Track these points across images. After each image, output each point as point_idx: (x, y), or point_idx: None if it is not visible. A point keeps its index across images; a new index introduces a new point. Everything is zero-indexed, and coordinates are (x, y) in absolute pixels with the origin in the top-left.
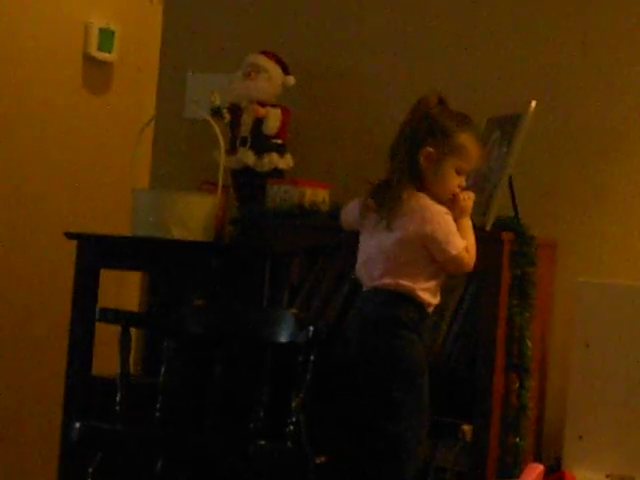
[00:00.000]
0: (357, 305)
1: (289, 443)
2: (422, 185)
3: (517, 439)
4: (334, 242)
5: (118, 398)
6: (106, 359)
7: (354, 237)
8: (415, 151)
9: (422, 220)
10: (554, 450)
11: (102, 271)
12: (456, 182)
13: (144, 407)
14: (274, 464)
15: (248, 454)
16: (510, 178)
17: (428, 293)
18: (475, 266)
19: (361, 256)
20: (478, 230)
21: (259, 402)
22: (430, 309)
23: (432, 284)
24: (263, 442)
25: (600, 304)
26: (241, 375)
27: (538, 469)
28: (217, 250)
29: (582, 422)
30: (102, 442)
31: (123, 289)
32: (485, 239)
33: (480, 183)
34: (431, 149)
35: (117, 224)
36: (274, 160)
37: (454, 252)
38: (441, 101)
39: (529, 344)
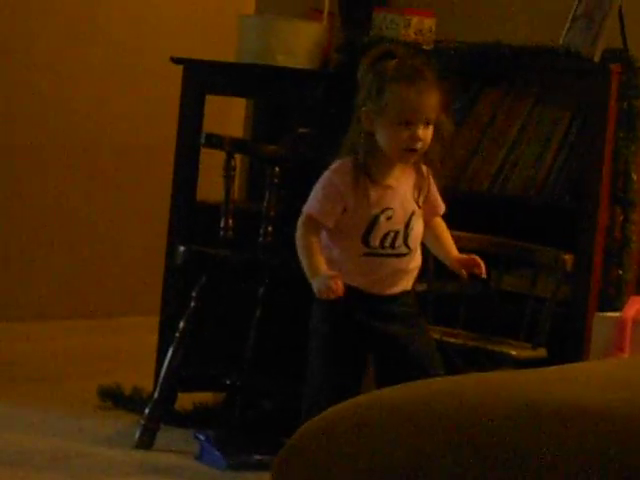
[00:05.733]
0: None
1: None
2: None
3: (620, 271)
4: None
5: (222, 223)
6: (211, 185)
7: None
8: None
9: None
10: None
11: (208, 99)
12: (404, 135)
13: (247, 233)
14: None
15: None
16: (620, 8)
17: None
18: (582, 98)
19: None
20: (586, 62)
21: None
22: None
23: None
24: None
25: None
26: None
27: None
28: (322, 78)
29: None
30: (205, 266)
31: (228, 118)
32: (593, 71)
33: (590, 13)
34: (366, 108)
35: (223, 50)
36: None
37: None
38: (385, 55)
39: (634, 177)
